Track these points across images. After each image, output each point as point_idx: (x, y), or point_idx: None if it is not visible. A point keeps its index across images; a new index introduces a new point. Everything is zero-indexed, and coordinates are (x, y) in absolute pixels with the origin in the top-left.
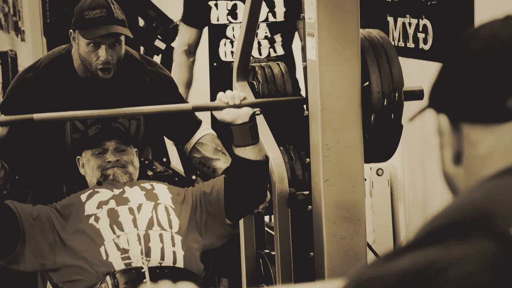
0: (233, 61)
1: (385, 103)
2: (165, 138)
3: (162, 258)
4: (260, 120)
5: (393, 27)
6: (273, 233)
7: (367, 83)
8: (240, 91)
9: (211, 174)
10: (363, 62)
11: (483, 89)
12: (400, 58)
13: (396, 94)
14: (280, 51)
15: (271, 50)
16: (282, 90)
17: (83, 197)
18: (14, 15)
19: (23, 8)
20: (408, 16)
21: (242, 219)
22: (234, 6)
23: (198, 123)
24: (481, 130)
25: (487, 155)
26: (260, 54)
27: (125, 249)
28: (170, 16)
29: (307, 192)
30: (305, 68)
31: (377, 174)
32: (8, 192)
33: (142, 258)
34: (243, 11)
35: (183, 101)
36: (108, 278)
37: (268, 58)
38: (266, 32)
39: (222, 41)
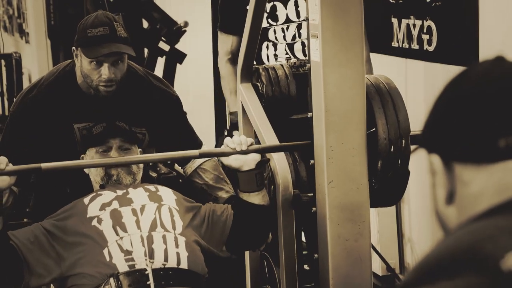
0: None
1: (391, 149)
2: None
3: (166, 259)
4: (264, 121)
5: (397, 29)
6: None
7: (374, 129)
8: (243, 101)
9: (212, 201)
10: (369, 108)
11: (474, 130)
12: (404, 60)
13: (403, 141)
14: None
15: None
16: (286, 91)
17: (86, 200)
18: (19, 17)
19: (27, 10)
20: (412, 17)
21: None
22: (273, 8)
23: (199, 145)
24: (473, 170)
25: (478, 194)
26: (305, 55)
27: (129, 250)
28: (174, 18)
29: (311, 194)
30: (309, 70)
31: None
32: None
33: (146, 259)
34: (283, 12)
35: (186, 119)
36: (111, 280)
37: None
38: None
39: (264, 44)
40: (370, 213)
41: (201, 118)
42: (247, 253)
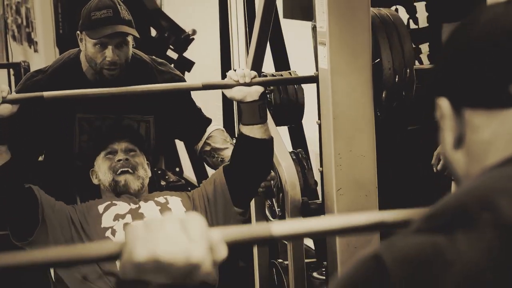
0: None
1: (396, 79)
2: (177, 148)
3: None
4: (272, 128)
5: None
6: (286, 242)
7: (378, 60)
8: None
9: (220, 165)
10: (374, 39)
11: (485, 74)
12: None
13: (408, 71)
14: (426, 62)
15: (416, 62)
16: (294, 99)
17: (100, 208)
18: (27, 26)
19: (36, 19)
20: None
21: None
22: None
23: (208, 121)
24: (484, 115)
25: (489, 141)
26: None
27: None
28: (182, 26)
29: (320, 201)
30: (317, 77)
31: None
32: None
33: None
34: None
35: (193, 101)
36: None
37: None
38: None
39: None
40: None
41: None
42: (256, 261)
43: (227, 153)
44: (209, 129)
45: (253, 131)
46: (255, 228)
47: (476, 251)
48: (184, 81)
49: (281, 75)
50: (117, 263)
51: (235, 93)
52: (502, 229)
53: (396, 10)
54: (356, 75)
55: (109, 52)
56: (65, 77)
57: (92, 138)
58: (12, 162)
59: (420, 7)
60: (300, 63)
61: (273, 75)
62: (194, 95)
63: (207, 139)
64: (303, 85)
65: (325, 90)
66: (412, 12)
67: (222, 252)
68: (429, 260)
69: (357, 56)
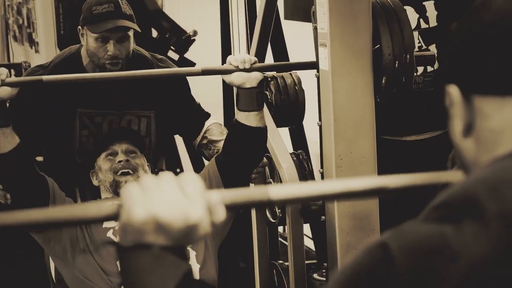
0: None
1: (396, 65)
2: (178, 149)
3: None
4: (273, 129)
5: None
6: (286, 243)
7: (378, 45)
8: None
9: (214, 155)
10: (374, 25)
11: (496, 60)
12: None
13: (408, 56)
14: (437, 64)
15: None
16: (295, 100)
17: None
18: (28, 27)
19: (37, 20)
20: None
21: (256, 229)
22: None
23: (207, 116)
24: (494, 102)
25: (499, 130)
26: (416, 72)
27: None
28: (183, 27)
29: (320, 203)
30: (318, 78)
31: None
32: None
33: None
34: (414, 17)
35: (192, 97)
36: None
37: (425, 74)
38: (419, 42)
39: None
40: (379, 222)
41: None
42: (256, 262)
43: (221, 145)
44: (207, 123)
45: (249, 118)
46: (253, 191)
47: (482, 242)
48: (184, 78)
49: (283, 77)
50: (117, 263)
51: (234, 78)
52: (510, 221)
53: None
54: (357, 76)
55: (110, 47)
56: (65, 71)
57: (92, 134)
58: (22, 146)
59: (429, 6)
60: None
61: (274, 77)
62: (195, 88)
63: (204, 132)
64: (304, 86)
65: (326, 91)
66: (422, 12)
67: (220, 214)
68: (436, 250)
69: (358, 57)
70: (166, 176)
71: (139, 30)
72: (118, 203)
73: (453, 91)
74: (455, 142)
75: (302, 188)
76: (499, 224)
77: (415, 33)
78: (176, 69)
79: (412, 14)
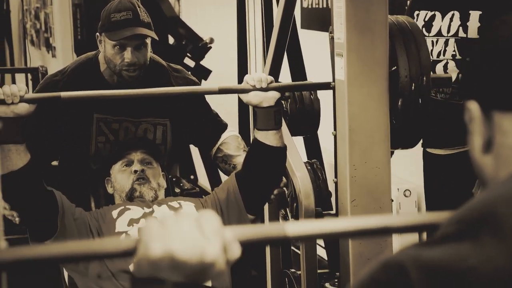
0: None
1: (412, 87)
2: (192, 156)
3: None
4: (287, 138)
5: None
6: (299, 252)
7: (395, 67)
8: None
9: (231, 171)
10: (391, 47)
11: None
12: None
13: (424, 79)
14: None
15: (460, 76)
16: (310, 109)
17: (114, 213)
18: (46, 32)
19: (54, 24)
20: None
21: None
22: (432, 18)
23: (224, 126)
24: None
25: None
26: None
27: None
28: (200, 34)
29: (334, 212)
30: (333, 88)
31: (405, 195)
32: None
33: None
34: (438, 24)
35: (209, 106)
36: None
37: (454, 85)
38: (453, 50)
39: None
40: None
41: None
42: (268, 270)
43: (239, 160)
44: (224, 135)
45: (268, 137)
46: (270, 228)
47: (503, 255)
48: (198, 83)
49: None
50: (131, 268)
51: (252, 97)
52: None
53: (453, 15)
54: (373, 86)
55: (128, 54)
56: (83, 77)
57: (109, 141)
58: (32, 163)
59: (474, 16)
60: (317, 73)
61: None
62: (210, 100)
63: (220, 145)
64: (319, 96)
65: (341, 101)
66: (464, 20)
67: (236, 252)
68: (455, 274)
69: (374, 68)
70: (185, 213)
71: (157, 38)
72: (137, 239)
73: (473, 107)
74: (474, 158)
75: (318, 226)
76: None
77: (451, 40)
78: (193, 88)
79: (456, 21)
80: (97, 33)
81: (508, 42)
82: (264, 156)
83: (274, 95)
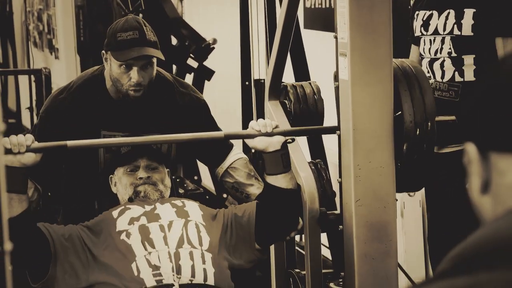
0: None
1: (417, 132)
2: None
3: (193, 275)
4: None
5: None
6: (303, 252)
7: (400, 112)
8: (271, 118)
9: (244, 200)
10: (395, 92)
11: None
12: None
13: (429, 124)
14: (469, 76)
15: (456, 73)
16: (314, 109)
17: (115, 213)
18: (49, 33)
19: (57, 26)
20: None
21: None
22: (430, 17)
23: (230, 146)
24: (510, 159)
25: None
26: (442, 78)
27: (157, 265)
28: (203, 35)
29: (338, 212)
30: (337, 88)
31: (409, 194)
32: (40, 208)
33: (173, 275)
34: (435, 22)
35: (215, 123)
36: None
37: (451, 83)
38: (449, 48)
39: None
40: (397, 232)
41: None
42: (273, 270)
43: (253, 191)
44: (232, 157)
45: (278, 181)
46: None
47: (497, 283)
48: (205, 103)
49: (302, 86)
50: (133, 268)
51: (257, 143)
52: None
53: (448, 14)
54: (377, 86)
55: (134, 74)
56: (88, 94)
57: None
58: (29, 211)
59: (468, 14)
60: (320, 74)
61: (293, 86)
62: (212, 96)
63: (229, 168)
64: (323, 96)
65: (345, 101)
66: (459, 18)
67: None
68: None
69: (378, 67)
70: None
71: (163, 58)
72: None
73: (470, 149)
74: (473, 199)
75: None
76: None
77: (447, 38)
78: (199, 134)
79: (452, 19)
80: (103, 51)
81: (503, 85)
82: (276, 199)
83: (279, 140)
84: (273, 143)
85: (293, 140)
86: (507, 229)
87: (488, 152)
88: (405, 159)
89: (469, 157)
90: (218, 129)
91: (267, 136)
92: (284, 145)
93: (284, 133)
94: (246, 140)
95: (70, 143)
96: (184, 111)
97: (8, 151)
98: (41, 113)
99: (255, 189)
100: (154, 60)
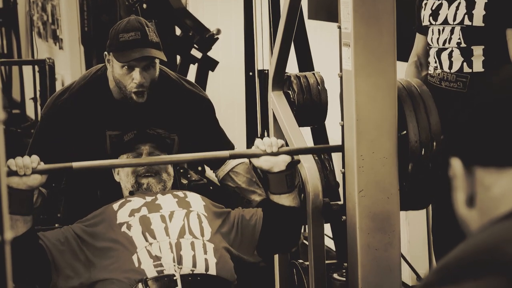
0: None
1: (423, 152)
2: None
3: (194, 265)
4: (295, 129)
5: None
6: (307, 243)
7: (405, 132)
8: (275, 109)
9: (245, 205)
10: (400, 111)
11: (496, 133)
12: None
13: (434, 144)
14: (478, 67)
15: (465, 64)
16: (318, 100)
17: (115, 206)
18: (53, 24)
19: (61, 16)
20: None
21: None
22: (439, 7)
23: (232, 148)
24: (495, 173)
25: (500, 198)
26: (450, 68)
27: (158, 256)
28: (207, 25)
29: (341, 202)
30: (340, 78)
31: None
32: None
33: (175, 265)
34: (445, 12)
35: (218, 123)
36: (140, 285)
37: (458, 73)
38: (458, 38)
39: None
40: (400, 223)
41: (232, 126)
42: (276, 261)
43: (254, 197)
44: (234, 161)
45: (281, 200)
46: None
47: None
48: (209, 102)
49: (305, 77)
50: (135, 260)
51: (262, 163)
52: (510, 273)
53: (459, 4)
54: (380, 77)
55: (136, 75)
56: (91, 94)
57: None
58: (31, 231)
59: (480, 4)
60: (324, 64)
61: (297, 76)
62: (216, 94)
63: (231, 172)
64: (326, 86)
65: (348, 91)
66: (470, 8)
67: None
68: None
69: (381, 57)
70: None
71: (165, 59)
72: None
73: (455, 164)
74: (459, 213)
75: None
76: (500, 279)
77: (457, 28)
78: (204, 154)
79: (463, 9)
80: (105, 52)
81: (487, 101)
82: (278, 215)
83: (284, 159)
84: (279, 163)
85: (299, 162)
86: (490, 240)
87: (473, 167)
88: (410, 179)
89: (454, 172)
90: (221, 131)
91: (272, 156)
92: (289, 165)
93: (289, 152)
94: (251, 160)
95: (75, 164)
96: (188, 110)
97: (13, 173)
98: (43, 114)
99: (257, 196)
100: (157, 61)
